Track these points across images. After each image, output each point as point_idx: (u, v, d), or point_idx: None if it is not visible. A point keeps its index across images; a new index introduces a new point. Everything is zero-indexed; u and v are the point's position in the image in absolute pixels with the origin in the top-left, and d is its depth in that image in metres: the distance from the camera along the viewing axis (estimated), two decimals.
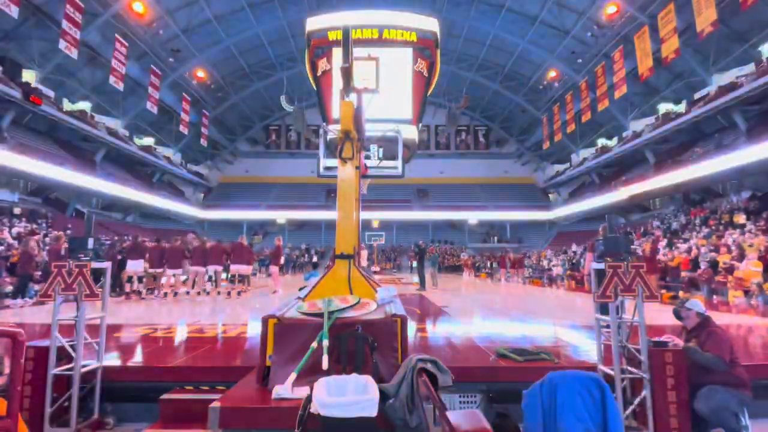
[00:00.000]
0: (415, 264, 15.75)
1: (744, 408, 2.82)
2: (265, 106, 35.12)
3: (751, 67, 18.11)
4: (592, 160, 28.95)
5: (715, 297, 9.92)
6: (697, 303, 3.28)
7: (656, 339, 3.05)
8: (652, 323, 4.67)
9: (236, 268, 10.37)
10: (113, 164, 26.15)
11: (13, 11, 15.71)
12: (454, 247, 32.67)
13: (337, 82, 8.58)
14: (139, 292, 9.50)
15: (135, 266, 9.46)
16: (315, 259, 28.64)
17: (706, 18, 16.33)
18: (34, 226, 16.85)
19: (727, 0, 16.28)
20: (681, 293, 10.05)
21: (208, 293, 10.00)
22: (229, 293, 9.96)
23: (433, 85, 10.43)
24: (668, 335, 3.18)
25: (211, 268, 10.20)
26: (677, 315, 3.34)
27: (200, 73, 28.71)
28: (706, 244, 12.77)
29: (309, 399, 2.16)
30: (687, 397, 2.81)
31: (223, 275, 10.74)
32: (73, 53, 18.21)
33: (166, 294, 9.44)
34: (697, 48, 19.49)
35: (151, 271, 9.61)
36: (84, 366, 3.04)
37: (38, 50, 19.48)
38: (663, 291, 10.30)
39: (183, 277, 10.16)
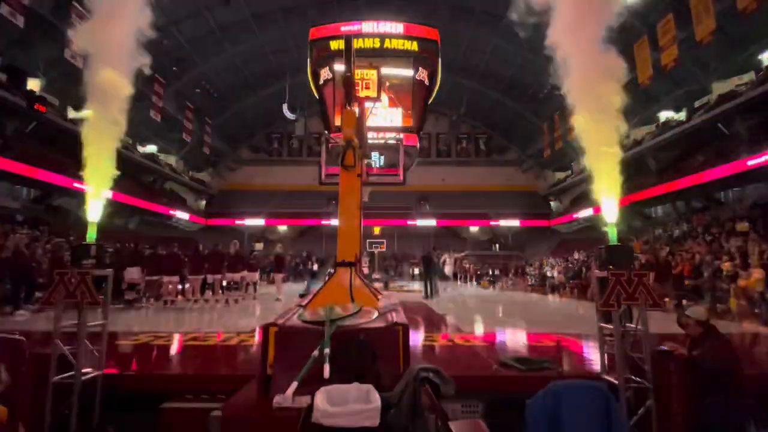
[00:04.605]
0: (416, 271, 15.72)
1: (750, 418, 2.78)
2: (268, 114, 35.29)
3: (751, 75, 18.18)
4: None
5: (718, 305, 9.84)
6: (696, 311, 3.26)
7: (659, 348, 3.02)
8: (658, 331, 4.63)
9: (231, 276, 10.37)
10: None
11: (19, 21, 15.92)
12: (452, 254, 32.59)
13: (339, 90, 8.64)
14: (134, 300, 9.47)
15: (133, 274, 9.44)
16: (315, 267, 28.49)
17: (705, 27, 16.44)
18: (36, 233, 16.88)
19: (726, 8, 16.39)
20: (684, 301, 9.96)
21: (207, 301, 9.97)
22: (227, 301, 9.93)
23: (434, 94, 10.50)
24: (671, 344, 3.16)
25: (210, 276, 10.15)
26: (679, 323, 3.32)
27: (203, 82, 28.94)
28: (709, 251, 12.69)
29: (310, 408, 2.14)
30: (691, 407, 2.78)
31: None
32: (79, 62, 18.40)
33: (165, 302, 9.42)
34: (696, 56, 19.58)
35: (148, 278, 9.59)
36: (84, 374, 3.02)
37: (43, 58, 19.67)
38: (666, 299, 10.21)
39: (180, 286, 10.13)
